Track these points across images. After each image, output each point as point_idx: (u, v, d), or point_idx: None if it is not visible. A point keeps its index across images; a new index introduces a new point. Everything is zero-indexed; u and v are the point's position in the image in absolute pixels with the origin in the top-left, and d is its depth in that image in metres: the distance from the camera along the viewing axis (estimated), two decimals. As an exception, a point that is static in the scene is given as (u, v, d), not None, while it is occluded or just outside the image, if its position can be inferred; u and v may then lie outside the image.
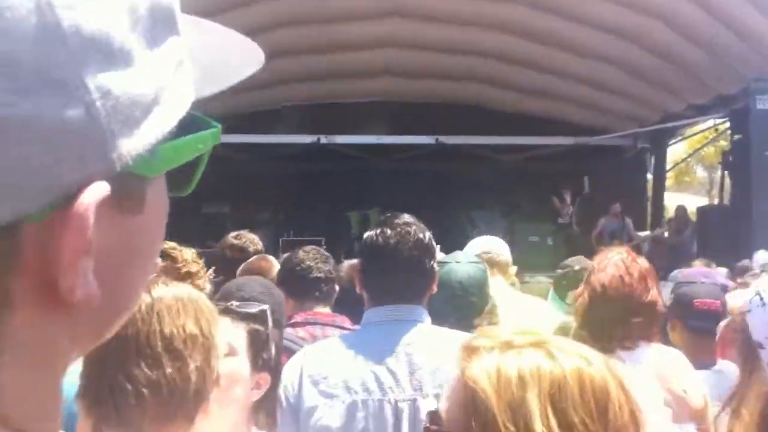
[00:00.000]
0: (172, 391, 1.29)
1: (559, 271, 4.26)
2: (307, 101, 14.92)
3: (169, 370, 1.29)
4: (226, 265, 4.16)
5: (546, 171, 14.69)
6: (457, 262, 3.00)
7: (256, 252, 4.34)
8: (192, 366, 1.31)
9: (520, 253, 3.99)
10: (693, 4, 10.67)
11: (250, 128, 13.54)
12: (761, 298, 0.73)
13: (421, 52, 13.48)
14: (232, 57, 0.64)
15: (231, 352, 1.66)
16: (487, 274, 3.08)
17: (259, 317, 1.80)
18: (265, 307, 1.84)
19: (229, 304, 1.81)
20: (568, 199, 14.03)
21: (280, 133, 14.08)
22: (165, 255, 2.99)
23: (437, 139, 14.25)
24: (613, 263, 2.65)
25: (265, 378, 1.77)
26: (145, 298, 1.30)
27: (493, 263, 3.57)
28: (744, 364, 1.91)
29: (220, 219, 13.38)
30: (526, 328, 1.23)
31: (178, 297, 1.36)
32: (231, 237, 4.49)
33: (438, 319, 2.51)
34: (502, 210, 14.41)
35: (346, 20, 12.37)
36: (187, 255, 3.16)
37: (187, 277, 2.98)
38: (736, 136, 11.52)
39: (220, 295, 2.69)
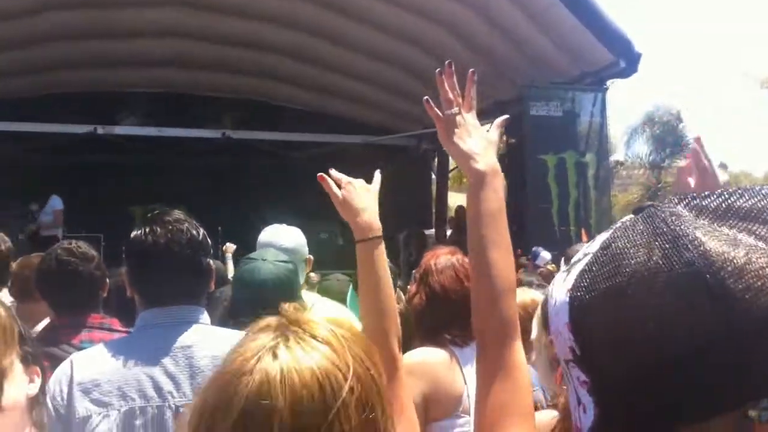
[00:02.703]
0: None
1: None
2: (84, 89, 14.06)
3: None
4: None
5: (335, 168, 14.76)
6: (263, 260, 2.85)
7: (8, 250, 3.92)
8: None
9: (312, 251, 3.90)
10: (472, 13, 11.20)
11: (17, 115, 12.55)
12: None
13: (211, 45, 13.15)
14: None
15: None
16: (296, 275, 2.96)
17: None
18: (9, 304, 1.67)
19: None
20: None
21: (52, 121, 13.13)
22: None
23: (224, 134, 13.93)
24: (451, 265, 2.68)
25: (37, 371, 1.66)
26: None
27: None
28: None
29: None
30: None
31: None
32: None
33: (238, 318, 2.42)
34: (292, 207, 14.37)
35: (131, 6, 11.78)
36: None
37: None
38: (511, 140, 12.20)
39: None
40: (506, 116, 1.79)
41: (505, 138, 13.16)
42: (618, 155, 37.24)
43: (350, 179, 1.99)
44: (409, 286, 2.97)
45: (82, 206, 12.80)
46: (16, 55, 12.31)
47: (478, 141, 1.64)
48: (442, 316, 2.62)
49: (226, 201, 13.94)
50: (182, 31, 12.66)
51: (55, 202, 11.97)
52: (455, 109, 1.67)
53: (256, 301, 2.71)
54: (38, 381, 1.69)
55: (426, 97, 1.72)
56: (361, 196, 1.96)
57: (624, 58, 11.21)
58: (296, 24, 12.47)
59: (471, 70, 1.71)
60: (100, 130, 13.36)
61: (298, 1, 11.80)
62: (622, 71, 11.44)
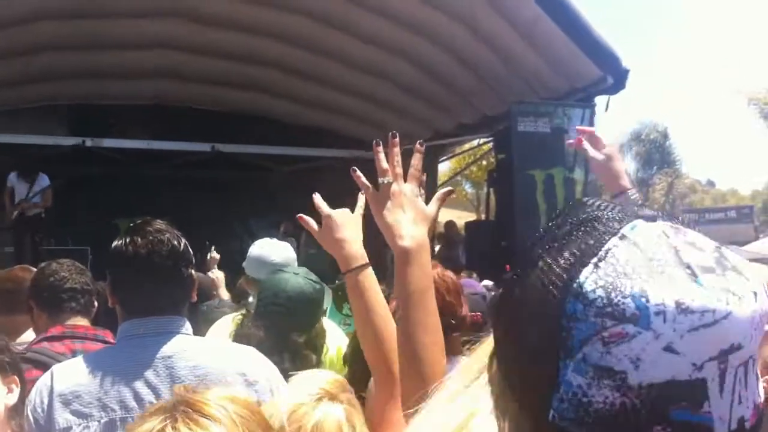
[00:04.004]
0: None
1: (337, 282, 4.27)
2: (72, 101, 14.06)
3: None
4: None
5: (322, 181, 14.80)
6: (295, 273, 2.90)
7: None
8: None
9: (300, 265, 3.94)
10: (462, 28, 11.26)
11: (5, 127, 12.56)
12: None
13: (200, 56, 13.18)
14: None
15: None
16: (323, 295, 3.00)
17: None
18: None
19: None
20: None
21: (39, 133, 13.10)
22: None
23: (213, 147, 13.94)
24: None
25: (15, 379, 1.64)
26: None
27: None
28: None
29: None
30: None
31: None
32: None
33: (256, 319, 2.63)
34: (281, 221, 14.39)
35: (120, 17, 11.79)
36: None
37: None
38: (500, 156, 12.24)
39: None
40: (449, 189, 1.80)
41: (494, 154, 13.21)
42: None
43: (330, 211, 1.95)
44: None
45: (69, 219, 12.76)
46: (3, 66, 12.29)
47: (409, 214, 1.62)
48: None
49: (215, 214, 13.92)
50: (172, 43, 12.68)
51: (44, 180, 11.81)
52: (388, 178, 1.65)
53: (274, 306, 2.75)
54: (17, 390, 1.68)
55: (353, 167, 1.73)
56: (342, 227, 1.92)
57: (612, 74, 11.28)
58: (285, 37, 12.51)
59: (419, 141, 1.72)
60: (89, 143, 13.35)
61: (287, 15, 11.84)
62: (610, 87, 11.51)
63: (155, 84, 14.13)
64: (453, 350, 2.58)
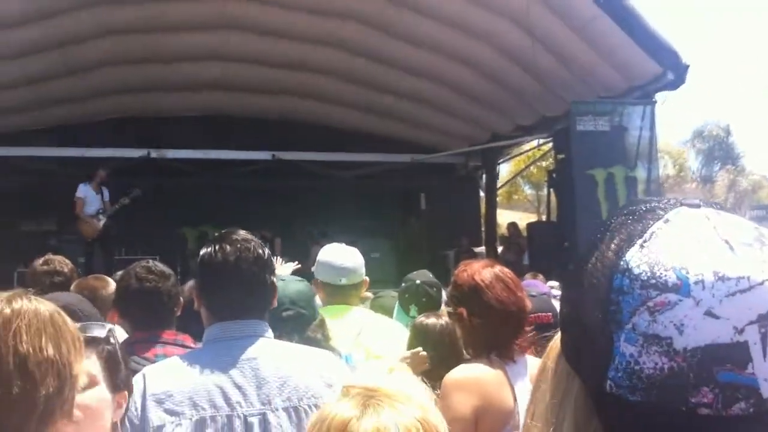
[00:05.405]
0: (10, 413, 1.18)
1: (403, 285, 4.33)
2: (137, 114, 14.43)
3: (16, 391, 1.17)
4: (49, 290, 3.92)
5: (383, 188, 14.94)
6: (281, 280, 3.05)
7: (72, 272, 4.14)
8: (42, 392, 1.20)
9: (368, 269, 4.02)
10: (518, 30, 11.22)
11: (72, 142, 12.98)
12: None
13: (259, 67, 13.39)
14: None
15: (92, 382, 1.61)
16: (313, 290, 3.18)
17: (106, 339, 1.76)
18: (111, 326, 1.78)
19: None
20: None
21: (106, 146, 13.50)
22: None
23: (274, 155, 14.17)
24: (497, 277, 2.65)
25: (124, 396, 1.76)
26: (3, 310, 1.20)
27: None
28: None
29: (44, 237, 12.63)
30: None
31: (40, 315, 1.25)
32: (39, 263, 4.22)
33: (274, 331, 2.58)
34: (343, 227, 14.50)
35: (179, 31, 12.08)
36: None
37: None
38: (560, 156, 12.15)
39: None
40: None
41: (553, 154, 13.12)
42: (668, 169, 36.87)
43: None
44: (448, 306, 2.89)
45: (138, 229, 13.08)
46: (66, 83, 12.68)
47: None
48: (502, 330, 2.59)
49: (276, 222, 14.10)
50: (231, 55, 12.91)
51: (105, 193, 12.13)
52: None
53: (284, 312, 2.89)
54: (124, 407, 1.78)
55: None
56: None
57: (672, 70, 11.10)
58: (342, 44, 12.62)
59: None
60: (154, 154, 13.72)
61: (343, 22, 11.95)
62: (669, 83, 11.33)
63: (215, 95, 14.39)
64: (524, 345, 2.63)
